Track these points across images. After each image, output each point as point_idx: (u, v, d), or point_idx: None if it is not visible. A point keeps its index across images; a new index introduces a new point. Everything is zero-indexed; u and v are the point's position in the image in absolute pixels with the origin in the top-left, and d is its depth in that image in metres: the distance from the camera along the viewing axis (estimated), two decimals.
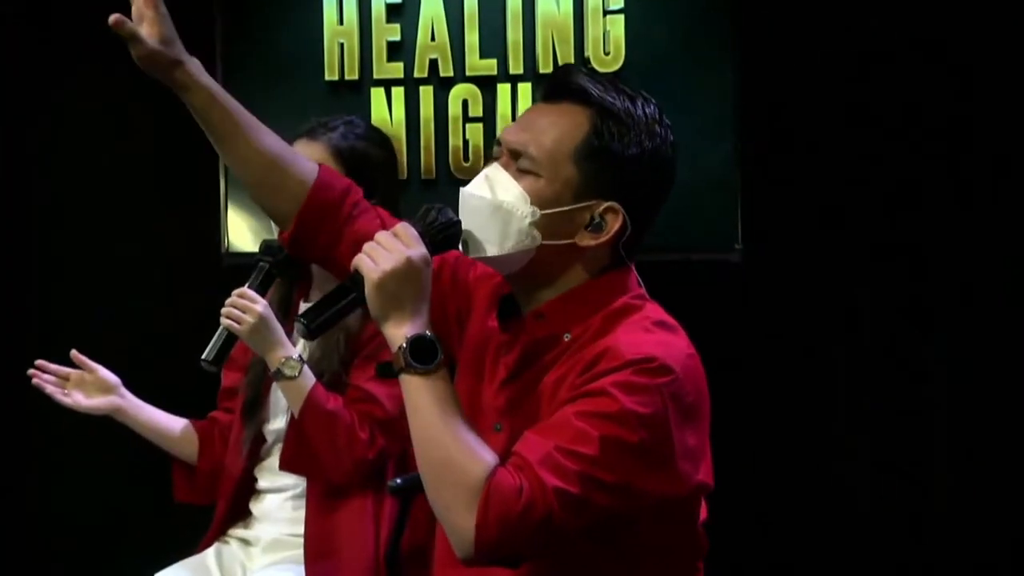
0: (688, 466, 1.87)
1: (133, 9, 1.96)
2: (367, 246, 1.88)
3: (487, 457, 1.80)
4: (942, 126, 3.62)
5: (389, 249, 1.86)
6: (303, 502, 2.84)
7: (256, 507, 2.95)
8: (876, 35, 3.66)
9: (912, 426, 3.68)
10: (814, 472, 3.72)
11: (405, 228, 1.90)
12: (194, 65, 1.99)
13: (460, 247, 1.98)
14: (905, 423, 3.69)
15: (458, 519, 1.78)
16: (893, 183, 3.66)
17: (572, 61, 3.60)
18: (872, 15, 3.65)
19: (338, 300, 1.93)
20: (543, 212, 1.92)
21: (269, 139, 2.05)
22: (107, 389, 2.95)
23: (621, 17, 3.63)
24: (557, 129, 1.94)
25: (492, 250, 1.94)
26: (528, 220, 1.92)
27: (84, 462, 4.02)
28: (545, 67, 3.64)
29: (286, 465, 2.80)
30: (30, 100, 4.12)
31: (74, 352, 2.96)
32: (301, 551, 2.80)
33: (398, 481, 2.63)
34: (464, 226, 1.96)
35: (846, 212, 3.68)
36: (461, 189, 1.98)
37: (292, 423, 2.77)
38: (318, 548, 2.77)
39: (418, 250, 1.87)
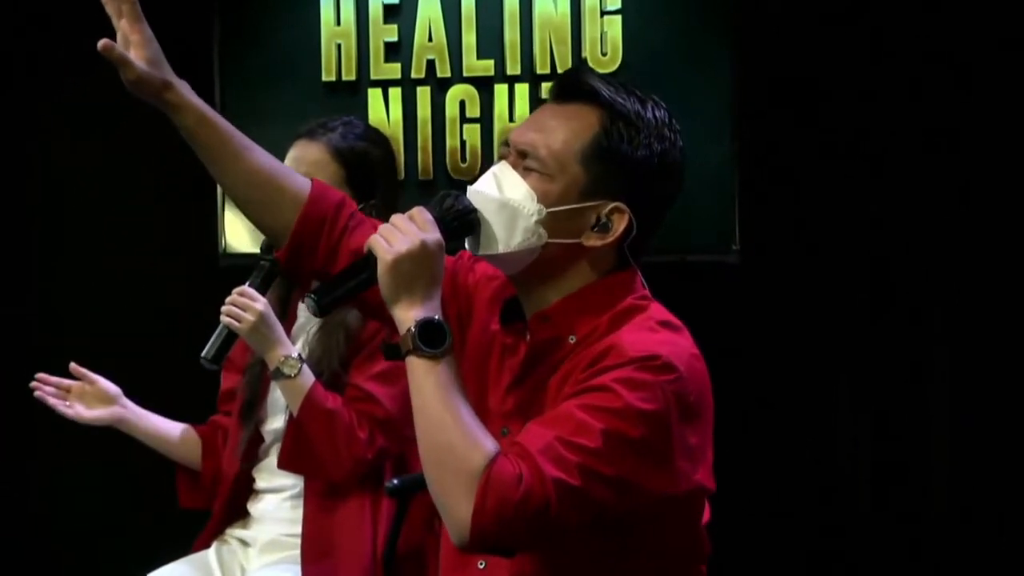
0: (687, 465, 1.87)
1: (118, 34, 1.96)
2: (382, 228, 1.89)
3: (488, 444, 1.80)
4: (941, 126, 3.63)
5: (404, 232, 1.87)
6: (301, 502, 2.84)
7: (254, 507, 2.95)
8: (874, 36, 3.66)
9: (911, 428, 3.69)
10: (813, 473, 3.72)
11: (421, 212, 1.91)
12: (184, 86, 2.00)
13: (467, 245, 1.99)
14: (904, 425, 3.69)
15: (456, 504, 1.78)
16: (891, 184, 3.66)
17: (570, 62, 3.61)
18: (869, 16, 3.66)
19: (350, 279, 1.94)
20: (549, 210, 1.93)
21: (261, 156, 2.05)
22: (108, 400, 2.97)
23: (618, 18, 3.64)
24: (566, 129, 1.95)
25: (499, 247, 1.94)
26: (534, 218, 1.92)
27: (83, 462, 4.02)
28: (542, 68, 3.64)
29: (285, 464, 2.81)
30: (27, 100, 4.12)
31: (73, 365, 2.97)
32: (298, 551, 2.80)
33: (395, 482, 2.63)
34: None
35: (844, 213, 3.68)
36: (468, 187, 1.99)
37: (291, 422, 2.78)
38: (315, 549, 2.77)
39: (432, 235, 1.88)
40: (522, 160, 1.96)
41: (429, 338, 1.84)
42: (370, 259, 1.89)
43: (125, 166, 4.06)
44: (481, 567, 1.97)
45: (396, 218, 1.90)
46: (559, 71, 3.59)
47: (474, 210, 1.95)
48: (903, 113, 3.64)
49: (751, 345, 3.71)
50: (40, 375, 2.97)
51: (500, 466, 1.77)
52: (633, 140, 1.94)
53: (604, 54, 3.64)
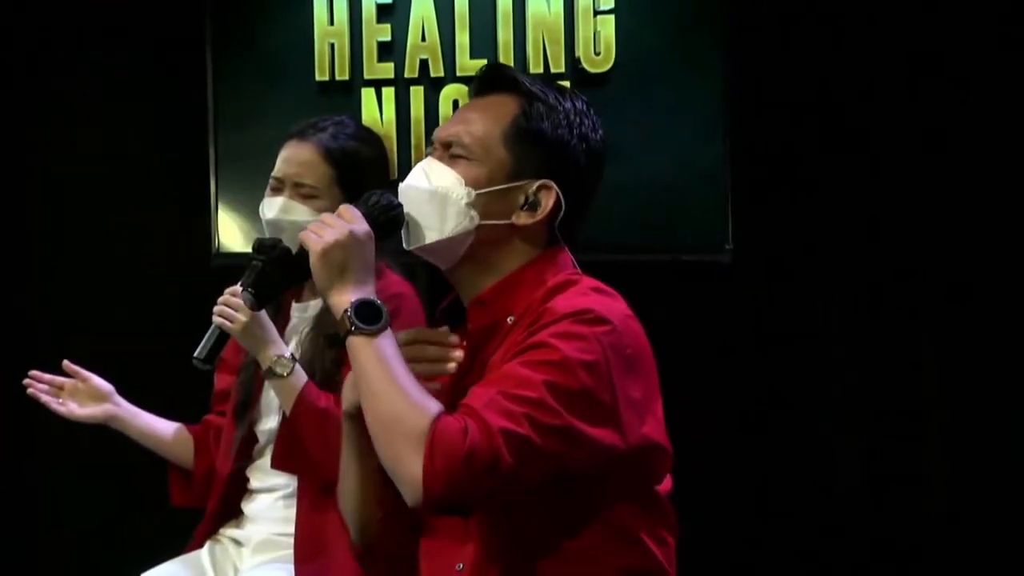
0: (633, 418, 1.91)
1: None
2: (312, 224, 1.96)
3: (432, 406, 1.84)
4: (936, 126, 3.62)
5: (332, 225, 1.94)
6: (294, 502, 2.84)
7: (247, 507, 2.96)
8: (867, 36, 3.66)
9: (908, 428, 3.68)
10: (808, 473, 3.72)
11: (348, 209, 1.99)
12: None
13: (403, 240, 2.05)
14: (900, 425, 3.69)
15: (406, 466, 1.81)
16: (886, 183, 3.66)
17: (563, 61, 3.61)
18: (863, 16, 3.66)
19: (286, 274, 2.03)
20: (478, 192, 2.00)
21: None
22: (100, 397, 2.97)
23: (612, 17, 3.63)
24: (486, 118, 2.04)
25: (433, 236, 2.01)
26: (464, 201, 2.00)
27: (79, 462, 4.02)
28: (535, 67, 3.63)
29: (278, 464, 2.81)
30: (21, 100, 4.12)
31: (66, 362, 2.98)
32: (291, 551, 2.80)
33: None
34: (405, 216, 2.04)
35: (838, 212, 3.68)
36: (399, 184, 2.06)
37: (284, 422, 2.78)
38: (308, 548, 2.78)
39: (361, 226, 1.95)
40: (447, 151, 2.03)
41: (366, 317, 1.89)
42: (303, 253, 1.95)
43: (119, 166, 4.06)
44: (459, 569, 1.99)
45: (324, 215, 1.97)
46: (552, 71, 3.58)
47: (399, 205, 2.03)
48: (898, 112, 3.64)
49: (745, 344, 3.71)
50: (33, 372, 2.97)
51: (445, 422, 1.81)
52: (552, 119, 2.03)
53: (597, 54, 3.63)
